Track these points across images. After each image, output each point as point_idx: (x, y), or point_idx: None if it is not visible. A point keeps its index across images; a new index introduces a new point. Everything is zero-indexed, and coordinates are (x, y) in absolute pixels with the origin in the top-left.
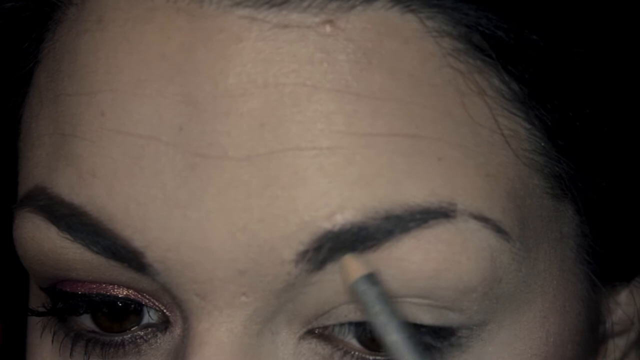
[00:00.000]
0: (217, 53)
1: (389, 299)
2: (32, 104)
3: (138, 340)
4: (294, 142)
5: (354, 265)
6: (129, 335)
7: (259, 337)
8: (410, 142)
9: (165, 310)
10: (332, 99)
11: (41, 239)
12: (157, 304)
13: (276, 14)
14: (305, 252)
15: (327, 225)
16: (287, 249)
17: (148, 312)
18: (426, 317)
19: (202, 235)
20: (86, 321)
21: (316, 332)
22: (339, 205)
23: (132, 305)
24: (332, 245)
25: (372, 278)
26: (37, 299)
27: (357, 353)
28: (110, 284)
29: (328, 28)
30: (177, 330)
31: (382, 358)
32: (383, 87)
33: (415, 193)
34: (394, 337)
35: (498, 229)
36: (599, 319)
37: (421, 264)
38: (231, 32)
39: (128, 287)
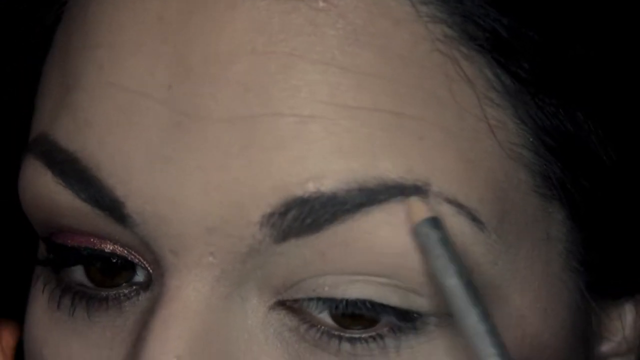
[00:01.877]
0: (211, 19)
1: (450, 243)
2: (48, 60)
3: (121, 297)
4: (277, 108)
5: (418, 208)
6: (114, 292)
7: (227, 300)
8: (392, 118)
9: (149, 268)
10: (317, 70)
11: (39, 184)
12: (142, 260)
13: None
14: (271, 214)
15: (298, 191)
16: (254, 210)
17: (137, 271)
18: (393, 299)
19: (178, 190)
20: (78, 275)
21: (287, 304)
22: (313, 173)
23: (120, 261)
24: (298, 213)
25: (435, 222)
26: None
27: (322, 327)
28: (97, 237)
29: (321, 3)
30: (156, 288)
31: (348, 335)
32: (370, 63)
33: (391, 168)
34: (451, 281)
35: (473, 218)
36: (589, 332)
37: (389, 239)
38: None
39: (114, 242)
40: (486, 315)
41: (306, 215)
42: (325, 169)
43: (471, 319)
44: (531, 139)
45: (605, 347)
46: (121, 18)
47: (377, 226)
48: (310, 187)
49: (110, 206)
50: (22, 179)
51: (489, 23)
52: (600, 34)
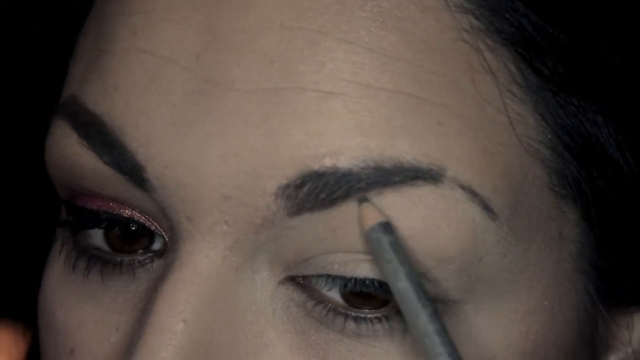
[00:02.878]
0: None
1: (400, 247)
2: (86, 25)
3: (135, 264)
4: (300, 82)
5: (369, 213)
6: (129, 258)
7: (238, 271)
8: (412, 102)
9: (165, 235)
10: (342, 49)
11: (64, 144)
12: (159, 228)
13: None
14: (287, 186)
15: (314, 165)
16: (270, 181)
17: (154, 239)
18: None
19: (197, 156)
20: (95, 240)
21: (296, 280)
22: (330, 148)
23: (138, 228)
24: (313, 187)
25: (386, 226)
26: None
27: (329, 305)
28: (117, 202)
29: None
30: (170, 255)
31: (354, 314)
32: (394, 46)
33: (407, 150)
34: (401, 284)
35: (485, 206)
36: (596, 338)
37: (400, 220)
38: None
39: (132, 207)
40: (436, 316)
41: (321, 190)
42: (342, 145)
43: (421, 319)
44: (549, 136)
45: (613, 358)
46: None
47: (389, 207)
48: (327, 162)
49: (131, 170)
50: (49, 139)
51: (516, 18)
52: (627, 40)
